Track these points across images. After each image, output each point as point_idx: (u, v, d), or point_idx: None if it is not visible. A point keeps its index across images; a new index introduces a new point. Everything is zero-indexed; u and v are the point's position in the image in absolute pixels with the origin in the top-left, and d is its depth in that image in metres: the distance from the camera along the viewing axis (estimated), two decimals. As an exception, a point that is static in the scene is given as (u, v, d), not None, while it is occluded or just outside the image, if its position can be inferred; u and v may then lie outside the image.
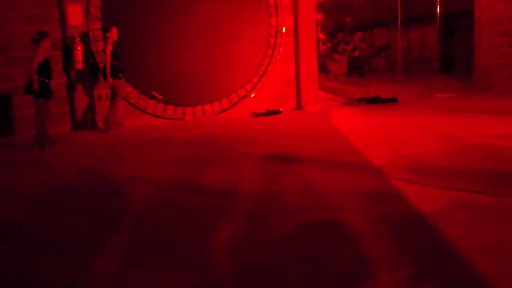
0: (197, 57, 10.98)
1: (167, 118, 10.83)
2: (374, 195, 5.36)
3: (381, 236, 4.29)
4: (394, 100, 12.00)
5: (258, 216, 4.93)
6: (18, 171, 7.38)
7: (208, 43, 11.04)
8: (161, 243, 4.39)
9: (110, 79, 9.55)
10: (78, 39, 9.89)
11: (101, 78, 10.01)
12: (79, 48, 9.81)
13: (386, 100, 11.98)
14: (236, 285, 3.59)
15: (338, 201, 5.24)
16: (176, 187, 6.10)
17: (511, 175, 5.79)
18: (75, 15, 10.07)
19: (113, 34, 9.69)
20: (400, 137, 7.99)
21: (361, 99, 12.37)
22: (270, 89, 11.48)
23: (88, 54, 10.16)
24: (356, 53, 17.76)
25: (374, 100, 12.07)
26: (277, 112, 11.23)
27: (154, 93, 10.64)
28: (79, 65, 9.85)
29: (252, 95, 11.38)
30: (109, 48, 9.56)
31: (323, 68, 16.55)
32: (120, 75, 9.74)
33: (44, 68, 8.34)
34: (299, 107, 11.69)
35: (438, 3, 16.43)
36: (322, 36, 17.76)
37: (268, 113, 11.17)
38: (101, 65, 10.01)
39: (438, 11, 16.55)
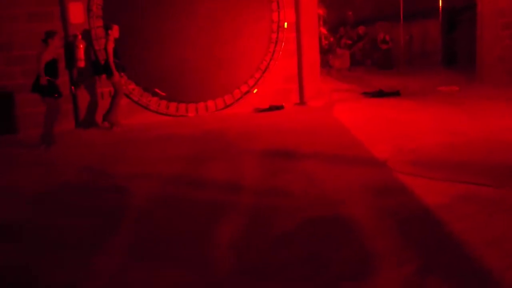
0: (200, 54, 10.95)
1: (170, 115, 10.80)
2: (378, 189, 5.35)
3: (387, 230, 4.28)
4: (397, 93, 11.96)
5: (262, 212, 4.92)
6: (20, 170, 7.37)
7: (210, 40, 11.01)
8: (163, 241, 4.38)
9: (116, 75, 9.56)
10: (80, 37, 9.87)
11: (103, 76, 10.00)
12: (81, 46, 9.79)
13: (389, 94, 11.94)
14: (238, 284, 3.57)
15: (343, 195, 5.22)
16: (179, 184, 6.09)
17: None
18: (76, 13, 10.05)
19: (115, 31, 9.68)
20: (404, 131, 7.96)
21: (364, 93, 12.33)
22: (273, 85, 11.45)
23: (90, 52, 10.14)
24: (385, 46, 17.62)
25: (378, 94, 12.03)
26: (280, 107, 11.19)
27: (157, 90, 10.61)
28: (81, 63, 9.83)
29: (255, 91, 11.35)
30: (111, 46, 9.55)
31: (325, 63, 16.50)
32: (122, 73, 9.74)
33: (51, 68, 8.35)
34: (302, 102, 11.65)
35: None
36: (324, 31, 17.70)
37: (271, 108, 11.14)
38: (103, 63, 10.00)
39: (440, 4, 16.48)
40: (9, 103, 9.84)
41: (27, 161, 7.87)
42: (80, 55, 9.78)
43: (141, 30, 10.51)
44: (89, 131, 9.94)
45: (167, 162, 7.05)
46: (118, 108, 9.78)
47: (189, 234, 4.49)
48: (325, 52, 16.95)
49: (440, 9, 16.61)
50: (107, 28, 9.73)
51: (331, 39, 18.07)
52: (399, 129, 8.12)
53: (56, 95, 8.45)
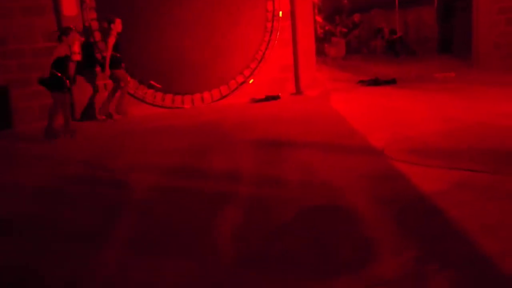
0: (194, 45, 10.90)
1: (166, 107, 10.78)
2: (375, 177, 5.36)
3: (384, 218, 4.29)
4: (393, 81, 11.95)
5: (260, 202, 4.93)
6: (19, 164, 7.36)
7: (204, 31, 10.96)
8: (163, 234, 4.39)
9: (108, 70, 9.54)
10: (74, 30, 9.80)
11: (98, 69, 9.98)
12: (76, 40, 9.72)
13: (385, 82, 11.93)
14: (239, 275, 3.58)
15: (340, 184, 5.23)
16: (177, 176, 6.09)
17: (511, 154, 5.77)
18: (69, 6, 9.97)
19: (117, 25, 9.62)
20: (400, 119, 7.97)
21: (360, 82, 12.31)
22: (269, 74, 11.42)
23: (85, 45, 10.09)
24: (395, 36, 17.49)
25: (374, 82, 12.02)
26: (276, 97, 11.17)
27: (152, 82, 10.59)
28: (77, 57, 9.77)
29: (251, 81, 11.33)
30: (112, 40, 9.52)
31: (321, 52, 16.46)
32: (123, 64, 9.74)
33: (61, 63, 8.36)
34: (298, 91, 11.63)
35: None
36: (319, 19, 17.65)
37: (267, 98, 11.11)
38: (98, 56, 9.97)
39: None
40: (4, 98, 9.79)
41: (25, 155, 7.85)
42: (75, 49, 9.72)
43: (135, 23, 10.45)
44: (85, 124, 9.90)
45: (165, 154, 7.06)
46: (125, 98, 9.93)
47: (189, 226, 4.49)
48: (321, 40, 16.91)
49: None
50: (109, 22, 9.66)
51: (327, 27, 18.02)
52: (395, 117, 8.12)
53: (64, 89, 8.44)
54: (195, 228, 4.43)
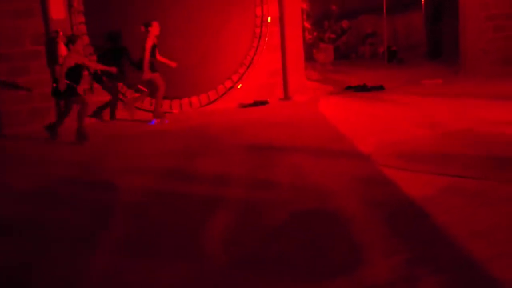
0: (182, 50, 10.85)
1: (154, 111, 10.72)
2: (366, 181, 5.38)
3: (374, 222, 4.31)
4: (381, 88, 11.99)
5: (252, 205, 4.96)
6: (14, 167, 7.35)
7: (192, 35, 10.93)
8: (158, 236, 4.40)
9: (147, 73, 9.42)
10: (61, 33, 9.74)
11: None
12: (62, 43, 9.65)
13: (373, 88, 11.97)
14: (233, 277, 3.58)
15: (330, 189, 5.24)
16: (170, 180, 6.10)
17: (499, 160, 5.82)
18: (58, 9, 9.91)
19: (155, 28, 9.48)
20: (387, 125, 8.00)
21: (348, 88, 12.34)
22: (257, 80, 11.41)
23: (113, 50, 9.99)
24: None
25: (361, 89, 12.05)
26: (264, 102, 11.17)
27: (140, 86, 10.53)
28: (113, 69, 9.61)
29: (239, 86, 11.31)
30: (149, 43, 9.36)
31: (309, 57, 16.49)
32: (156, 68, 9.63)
33: (73, 73, 8.32)
34: (286, 97, 11.63)
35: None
36: (307, 25, 17.68)
37: (256, 103, 11.10)
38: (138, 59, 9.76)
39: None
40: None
41: (19, 158, 7.85)
42: (62, 52, 9.65)
43: (122, 26, 10.38)
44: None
45: (156, 158, 7.08)
46: (161, 101, 9.88)
47: (184, 228, 4.51)
48: (309, 46, 16.94)
49: (423, 0, 16.67)
50: (146, 25, 9.53)
51: (315, 33, 18.06)
52: (383, 123, 8.15)
53: (77, 95, 8.48)
54: (190, 230, 4.44)
